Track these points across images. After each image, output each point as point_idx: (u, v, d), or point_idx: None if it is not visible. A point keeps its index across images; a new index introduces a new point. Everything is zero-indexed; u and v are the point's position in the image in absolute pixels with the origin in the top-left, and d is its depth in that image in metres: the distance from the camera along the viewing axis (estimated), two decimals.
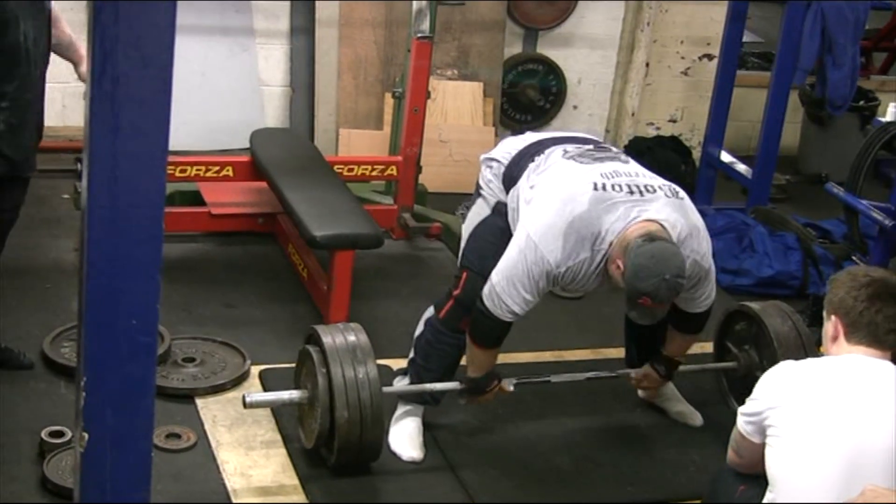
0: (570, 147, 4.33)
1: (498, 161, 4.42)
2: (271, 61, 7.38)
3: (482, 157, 4.52)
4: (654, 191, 4.10)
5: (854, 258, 6.13)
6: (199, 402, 4.67)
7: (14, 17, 4.21)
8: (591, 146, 4.37)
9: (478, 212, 4.44)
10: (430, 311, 4.57)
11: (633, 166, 4.25)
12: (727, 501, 3.61)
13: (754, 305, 4.82)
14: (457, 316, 4.41)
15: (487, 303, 4.16)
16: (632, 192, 4.06)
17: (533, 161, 4.29)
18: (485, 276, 4.21)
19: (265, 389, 4.72)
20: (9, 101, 4.27)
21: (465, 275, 4.38)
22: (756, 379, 4.54)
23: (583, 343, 5.07)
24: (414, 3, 5.98)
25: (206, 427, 4.52)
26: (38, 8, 4.35)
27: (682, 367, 4.75)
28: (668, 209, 4.06)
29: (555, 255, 4.02)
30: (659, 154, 7.36)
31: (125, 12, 2.27)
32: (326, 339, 4.22)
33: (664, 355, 4.64)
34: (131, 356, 2.53)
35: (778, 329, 4.69)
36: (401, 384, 4.62)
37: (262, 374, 4.87)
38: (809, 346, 4.64)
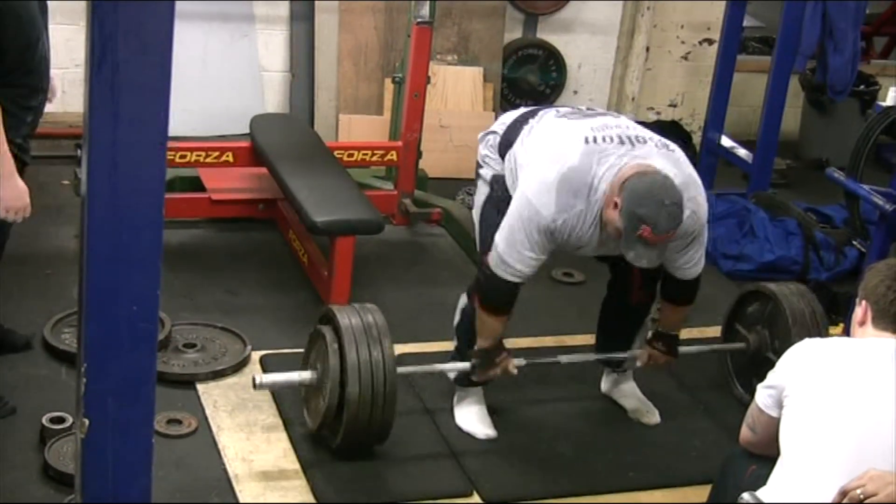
0: (561, 108, 4.40)
1: (494, 132, 4.45)
2: (271, 47, 7.37)
3: (480, 134, 4.53)
4: (645, 141, 4.13)
5: (855, 243, 6.13)
6: (200, 387, 4.68)
7: (39, 34, 4.23)
8: (583, 108, 4.44)
9: (480, 194, 4.44)
10: (463, 300, 4.58)
11: (624, 120, 4.29)
12: (737, 481, 3.62)
13: (770, 285, 4.84)
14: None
15: (493, 266, 4.19)
16: (622, 143, 4.08)
17: (527, 124, 4.34)
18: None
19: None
20: (33, 115, 4.29)
21: (485, 259, 4.37)
22: (765, 360, 4.61)
23: (584, 328, 5.06)
24: None
25: (208, 412, 4.53)
26: (45, 19, 4.36)
27: (689, 349, 4.76)
28: (662, 159, 4.08)
29: (549, 208, 4.04)
30: None
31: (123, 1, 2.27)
32: (342, 319, 4.22)
33: (660, 331, 4.63)
34: (132, 343, 2.53)
35: (794, 306, 4.69)
36: (452, 373, 4.63)
37: (262, 360, 4.87)
38: (823, 326, 4.66)
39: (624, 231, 3.92)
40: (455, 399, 4.65)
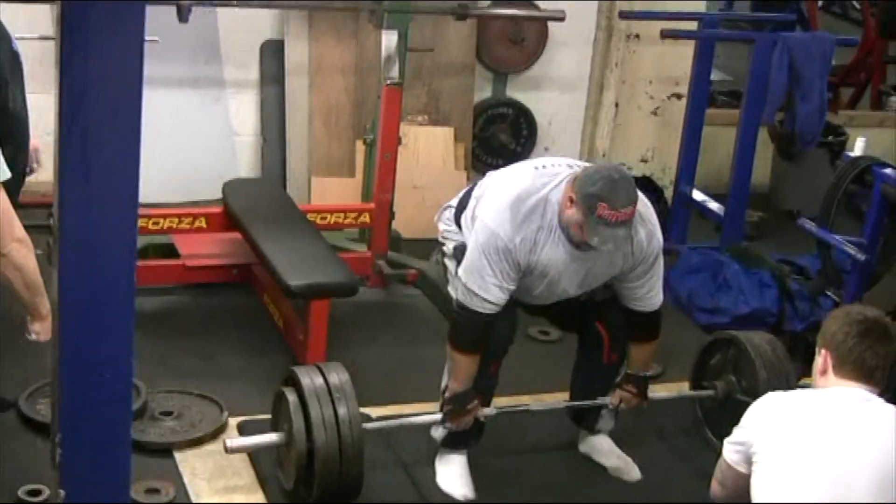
0: None
1: (449, 206, 4.54)
2: (242, 111, 7.38)
3: (436, 216, 4.62)
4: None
5: (829, 293, 6.15)
6: (178, 455, 4.64)
7: (5, 83, 4.22)
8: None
9: (449, 269, 4.50)
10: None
11: (574, 161, 4.44)
12: None
13: (730, 332, 4.95)
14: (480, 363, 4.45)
15: (462, 299, 4.24)
16: (570, 167, 4.23)
17: (478, 185, 4.45)
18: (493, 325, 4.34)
19: None
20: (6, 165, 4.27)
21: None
22: (736, 402, 4.64)
23: (560, 386, 5.04)
24: (383, 49, 6.00)
25: (186, 480, 4.49)
26: (18, 70, 4.36)
27: (660, 395, 4.84)
28: None
29: (504, 227, 4.11)
30: None
31: (94, 64, 2.27)
32: (304, 380, 4.26)
33: (629, 374, 4.65)
34: (107, 411, 2.52)
35: (756, 346, 4.78)
36: (437, 434, 4.63)
37: (240, 426, 4.84)
38: (788, 367, 4.75)
39: (584, 217, 4.00)
40: (437, 458, 4.64)
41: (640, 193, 4.17)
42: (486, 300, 4.20)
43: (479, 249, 4.17)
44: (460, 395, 4.40)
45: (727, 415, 4.62)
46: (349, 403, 4.23)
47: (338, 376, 4.30)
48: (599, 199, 3.96)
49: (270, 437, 4.36)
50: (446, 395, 4.45)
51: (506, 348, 4.49)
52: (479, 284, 4.18)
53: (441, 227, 4.55)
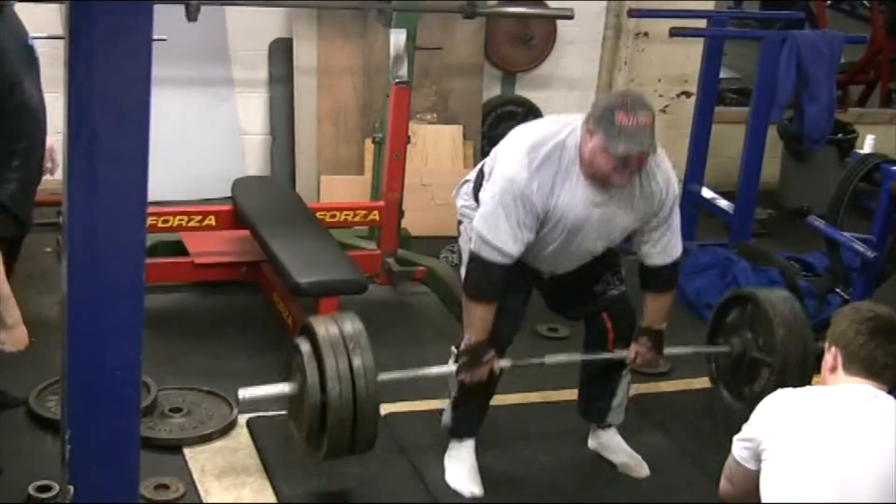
0: None
1: (467, 181, 4.52)
2: (251, 110, 7.40)
3: (454, 190, 4.60)
4: None
5: (838, 291, 6.14)
6: (187, 452, 4.66)
7: (19, 79, 4.25)
8: None
9: (464, 250, 4.44)
10: (453, 349, 4.55)
11: None
12: None
13: (748, 288, 4.87)
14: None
15: (476, 250, 4.21)
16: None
17: (493, 152, 4.43)
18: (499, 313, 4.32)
19: (253, 439, 4.72)
20: (19, 160, 4.30)
21: None
22: (752, 361, 4.61)
23: (569, 384, 5.05)
24: (392, 49, 6.01)
25: (195, 477, 4.51)
26: (34, 65, 4.39)
27: (675, 350, 4.79)
28: None
29: (521, 174, 4.11)
30: None
31: (100, 66, 2.28)
32: (319, 330, 4.18)
33: (644, 327, 4.58)
34: (115, 408, 2.53)
35: (775, 303, 4.71)
36: (446, 419, 4.64)
37: (249, 423, 4.85)
38: (806, 326, 4.71)
39: (605, 134, 4.00)
40: (447, 454, 4.64)
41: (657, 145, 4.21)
42: (498, 249, 4.16)
43: (495, 198, 4.14)
44: (476, 346, 4.33)
45: (742, 373, 4.64)
46: (364, 354, 4.15)
47: (352, 326, 4.22)
48: (615, 109, 3.98)
49: (283, 388, 4.30)
50: (461, 346, 4.38)
51: (502, 350, 4.47)
52: (493, 234, 4.15)
53: (459, 203, 4.51)
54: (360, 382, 4.09)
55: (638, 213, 4.31)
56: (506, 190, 4.12)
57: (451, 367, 4.44)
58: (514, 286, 4.37)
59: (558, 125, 4.22)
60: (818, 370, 5.16)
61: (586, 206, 4.19)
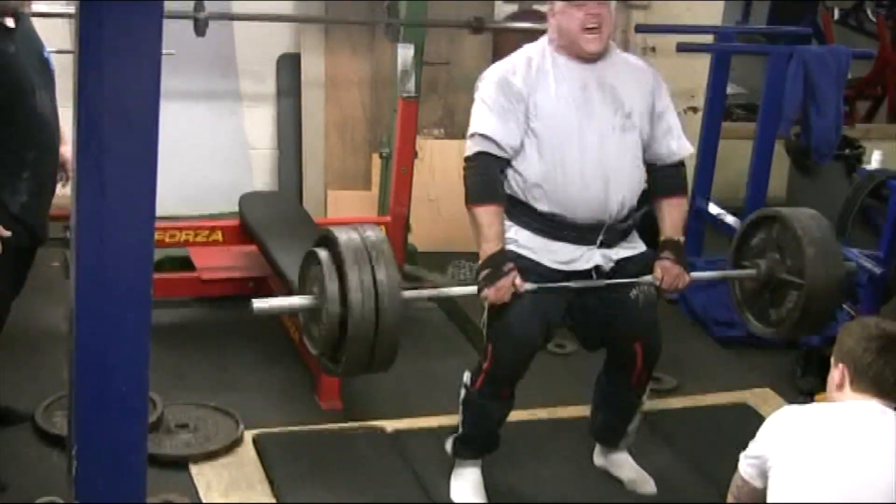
0: None
1: None
2: (258, 124, 7.40)
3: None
4: None
5: (845, 307, 6.12)
6: (194, 468, 4.65)
7: (31, 87, 4.26)
8: None
9: None
10: (466, 377, 4.48)
11: None
12: None
13: (776, 208, 4.69)
14: (491, 388, 4.37)
15: (467, 150, 4.24)
16: None
17: None
18: (510, 345, 4.24)
19: (260, 455, 4.71)
20: (30, 170, 4.30)
21: (490, 347, 4.31)
22: (779, 283, 4.45)
23: (577, 399, 5.05)
24: (399, 63, 6.01)
25: (201, 493, 4.50)
26: (49, 77, 4.41)
27: (702, 274, 4.68)
28: None
29: (501, 67, 4.26)
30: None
31: (110, 78, 2.28)
32: (341, 237, 3.87)
33: (664, 240, 4.43)
34: (122, 423, 2.52)
35: (803, 222, 4.49)
36: (449, 444, 4.58)
37: (256, 439, 4.85)
38: (835, 245, 4.53)
39: (567, 10, 4.16)
40: (453, 473, 4.62)
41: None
42: (487, 136, 4.16)
43: (480, 100, 4.23)
44: (494, 255, 4.15)
45: (769, 296, 4.47)
46: (388, 266, 3.82)
47: (375, 235, 3.92)
48: None
49: (300, 301, 3.96)
50: (479, 262, 4.22)
51: (511, 385, 4.41)
52: (480, 124, 4.19)
53: None
54: (382, 295, 3.76)
55: (645, 100, 4.35)
56: (486, 85, 4.23)
57: (472, 288, 4.22)
58: (538, 314, 4.25)
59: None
60: (850, 291, 5.21)
61: (580, 98, 4.22)
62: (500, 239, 4.17)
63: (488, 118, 4.18)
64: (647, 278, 4.36)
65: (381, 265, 3.80)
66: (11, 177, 4.26)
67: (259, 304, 3.85)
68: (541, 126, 4.18)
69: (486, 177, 4.20)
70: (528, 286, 4.17)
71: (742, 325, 6.13)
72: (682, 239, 4.47)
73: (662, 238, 4.43)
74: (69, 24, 6.30)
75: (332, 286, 3.78)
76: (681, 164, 4.49)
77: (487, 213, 4.17)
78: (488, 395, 4.39)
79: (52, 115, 4.40)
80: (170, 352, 5.49)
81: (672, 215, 4.45)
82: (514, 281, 4.14)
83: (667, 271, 4.35)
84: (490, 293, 4.14)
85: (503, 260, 4.15)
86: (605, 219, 4.25)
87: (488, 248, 4.15)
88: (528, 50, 4.31)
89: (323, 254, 3.87)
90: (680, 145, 4.46)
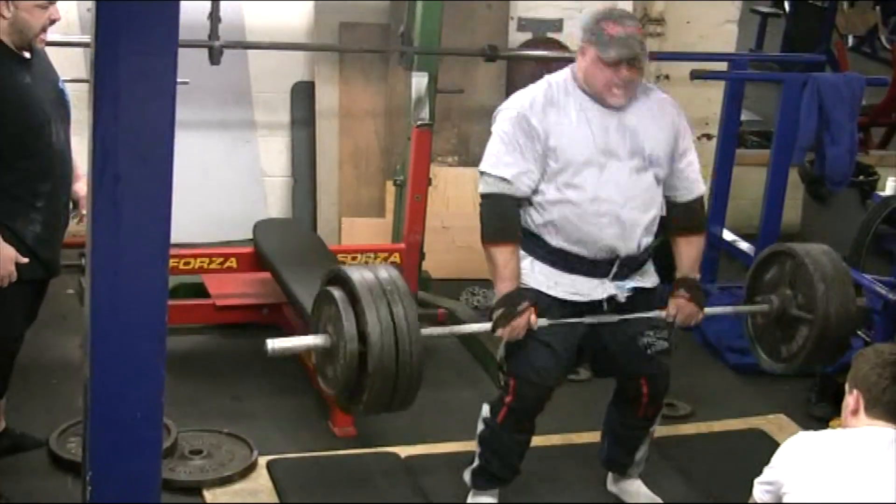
0: None
1: None
2: (273, 152, 7.43)
3: None
4: None
5: (859, 333, 6.11)
6: (207, 494, 4.65)
7: (47, 120, 4.29)
8: None
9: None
10: (485, 410, 4.48)
11: None
12: None
13: (787, 244, 4.67)
14: (514, 421, 4.38)
15: (482, 189, 4.21)
16: None
17: None
18: (534, 378, 4.25)
19: (273, 481, 4.72)
20: (44, 202, 4.33)
21: (513, 382, 4.32)
22: (791, 319, 4.45)
23: (590, 426, 5.04)
24: (413, 92, 6.03)
25: None
26: (64, 109, 4.44)
27: (714, 310, 4.66)
28: None
29: (519, 101, 4.20)
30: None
31: (125, 110, 2.30)
32: (354, 276, 3.84)
33: (680, 278, 4.44)
34: (137, 450, 2.53)
35: (816, 258, 4.46)
36: (468, 475, 4.58)
37: (269, 465, 4.85)
38: (848, 280, 4.50)
39: (596, 45, 4.09)
40: (469, 498, 4.61)
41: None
42: (502, 177, 4.15)
43: (497, 135, 4.19)
44: (510, 294, 4.17)
45: (781, 332, 4.48)
46: (405, 301, 3.80)
47: (388, 272, 3.90)
48: (601, 21, 4.08)
49: (315, 340, 3.96)
50: (494, 301, 4.25)
51: (530, 419, 4.43)
52: (495, 165, 4.16)
53: None
54: (401, 331, 3.74)
55: (669, 136, 4.31)
56: (503, 119, 4.18)
57: (486, 325, 4.25)
58: (555, 349, 4.28)
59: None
60: (861, 326, 5.22)
61: (599, 127, 4.19)
62: (515, 278, 4.19)
63: (504, 156, 4.16)
64: (661, 314, 4.38)
65: (397, 301, 3.77)
66: (26, 208, 4.28)
67: (274, 344, 3.88)
68: (557, 165, 4.18)
69: (503, 216, 4.20)
70: (543, 322, 4.19)
71: None
72: (698, 276, 4.49)
73: (679, 275, 4.46)
74: (84, 54, 6.35)
75: (350, 324, 3.76)
76: (700, 201, 4.47)
77: (503, 253, 4.19)
78: (511, 428, 4.40)
79: (66, 148, 4.43)
80: (184, 378, 5.50)
81: (689, 253, 4.46)
82: (528, 319, 4.16)
83: (681, 309, 4.38)
84: (505, 332, 4.17)
85: (519, 299, 4.17)
86: (620, 255, 4.27)
87: (503, 288, 4.18)
88: (550, 83, 4.25)
89: (337, 292, 3.85)
90: (700, 185, 4.47)
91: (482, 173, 4.20)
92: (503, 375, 4.37)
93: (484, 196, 4.21)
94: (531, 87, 4.27)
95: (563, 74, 4.26)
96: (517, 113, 4.16)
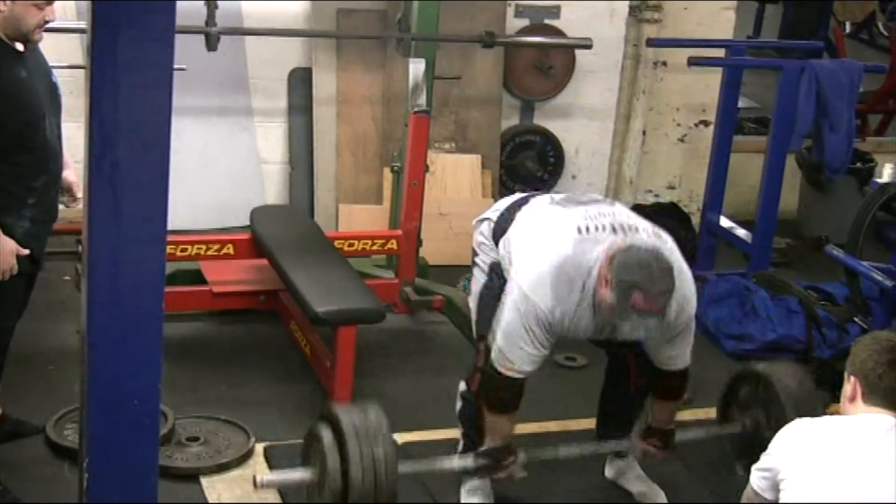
0: (556, 196, 4.43)
1: (489, 219, 4.47)
2: (270, 139, 7.42)
3: (475, 220, 4.55)
4: (637, 230, 4.16)
5: (857, 320, 6.12)
6: (204, 481, 4.66)
7: (43, 114, 4.28)
8: (578, 194, 4.47)
9: (478, 281, 4.45)
10: (462, 386, 4.56)
11: (619, 208, 4.32)
12: None
13: (760, 365, 4.77)
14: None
15: (497, 364, 4.17)
16: (615, 231, 4.10)
17: (520, 210, 4.36)
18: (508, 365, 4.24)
19: (270, 466, 4.72)
20: (36, 198, 4.32)
21: (482, 345, 4.36)
22: (764, 440, 4.53)
23: (587, 412, 5.04)
24: (411, 78, 6.03)
25: None
26: (56, 103, 4.42)
27: (685, 436, 4.70)
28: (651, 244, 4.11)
29: (546, 301, 4.04)
30: (658, 222, 7.35)
31: (124, 98, 2.29)
32: (343, 418, 4.08)
33: (654, 427, 4.57)
34: (134, 436, 2.53)
35: (786, 385, 4.55)
36: (456, 461, 4.58)
37: (266, 451, 4.85)
38: (816, 402, 4.54)
39: (618, 303, 3.90)
40: (462, 486, 4.62)
41: (679, 261, 4.16)
42: (519, 368, 4.15)
43: (518, 319, 4.09)
44: (497, 450, 4.32)
45: (756, 451, 4.54)
46: (386, 444, 4.07)
47: (375, 415, 4.12)
48: (636, 289, 3.86)
49: (302, 475, 4.18)
50: (482, 448, 4.36)
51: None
52: (516, 353, 4.12)
53: (478, 238, 4.49)
54: (380, 473, 4.01)
55: (646, 336, 4.23)
56: (528, 313, 4.07)
57: (470, 463, 4.39)
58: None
59: (585, 245, 4.08)
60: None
61: (597, 326, 4.17)
62: (507, 438, 4.33)
63: (523, 351, 4.13)
64: (626, 445, 4.65)
65: (379, 444, 4.03)
66: (17, 203, 4.27)
67: (263, 478, 4.12)
68: (562, 334, 4.19)
69: (512, 393, 4.25)
70: (522, 475, 4.40)
71: (754, 339, 6.18)
72: (673, 427, 4.60)
73: (654, 426, 4.57)
74: (80, 40, 6.33)
75: (334, 462, 4.02)
76: (684, 372, 4.46)
77: (503, 420, 4.30)
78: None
79: (58, 142, 4.41)
80: (181, 365, 5.50)
81: (667, 411, 4.57)
82: (511, 474, 4.37)
83: (649, 456, 4.61)
84: (483, 478, 4.49)
85: (504, 455, 4.33)
86: None
87: (492, 442, 4.33)
88: (575, 279, 4.06)
89: (325, 432, 4.07)
90: (686, 358, 4.41)
91: (500, 350, 4.16)
92: (476, 340, 4.44)
93: (495, 373, 4.21)
94: (557, 279, 4.08)
95: (589, 270, 4.04)
96: (545, 318, 4.07)
